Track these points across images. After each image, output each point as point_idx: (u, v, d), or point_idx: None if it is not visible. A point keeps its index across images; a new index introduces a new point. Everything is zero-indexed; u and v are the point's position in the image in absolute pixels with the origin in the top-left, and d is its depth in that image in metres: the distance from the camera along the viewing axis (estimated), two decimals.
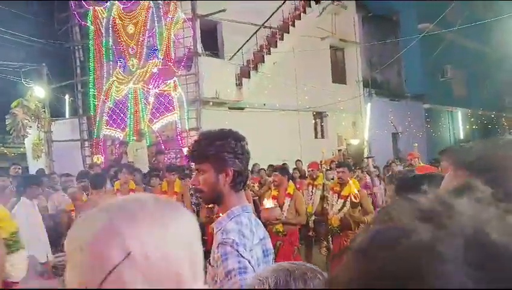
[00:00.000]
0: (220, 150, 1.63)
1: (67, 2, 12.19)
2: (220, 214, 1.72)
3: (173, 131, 11.10)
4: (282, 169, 6.11)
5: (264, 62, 13.23)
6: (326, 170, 8.11)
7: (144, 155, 9.90)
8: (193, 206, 6.77)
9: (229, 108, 12.39)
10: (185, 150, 10.80)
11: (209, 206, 5.02)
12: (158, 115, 11.00)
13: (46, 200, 5.86)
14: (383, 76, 19.19)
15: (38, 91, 11.87)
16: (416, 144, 10.32)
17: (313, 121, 15.48)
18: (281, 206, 5.36)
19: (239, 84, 12.54)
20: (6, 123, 11.24)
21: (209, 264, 1.64)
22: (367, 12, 18.44)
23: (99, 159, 11.33)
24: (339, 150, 14.22)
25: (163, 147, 10.94)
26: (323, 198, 6.75)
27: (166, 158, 10.62)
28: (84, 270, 0.63)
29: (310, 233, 6.94)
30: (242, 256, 1.49)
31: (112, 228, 0.64)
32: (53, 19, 12.98)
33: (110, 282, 0.61)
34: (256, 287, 0.95)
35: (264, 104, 12.91)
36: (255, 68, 13.10)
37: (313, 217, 6.89)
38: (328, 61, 15.99)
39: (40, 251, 4.48)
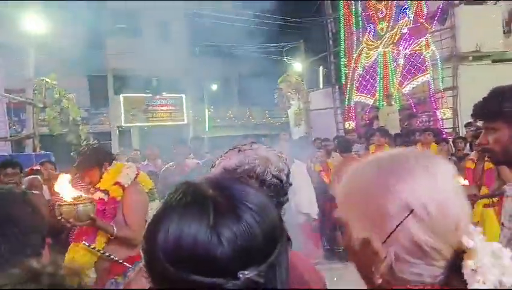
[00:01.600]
0: None
1: None
2: None
3: (426, 93, 10.44)
4: None
5: None
6: None
7: (396, 119, 9.76)
8: None
9: (493, 61, 10.63)
10: (439, 113, 10.05)
11: None
12: (409, 76, 10.55)
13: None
14: None
15: (298, 66, 13.36)
16: None
17: None
18: None
19: (507, 32, 10.54)
20: (275, 97, 13.18)
21: (503, 225, 1.59)
22: None
23: (350, 125, 11.90)
24: None
25: (414, 110, 10.49)
26: None
27: (418, 121, 10.16)
28: (369, 219, 0.71)
29: None
30: None
31: (389, 182, 0.70)
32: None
33: (398, 232, 0.68)
34: None
35: None
36: None
37: None
38: None
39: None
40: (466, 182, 4.30)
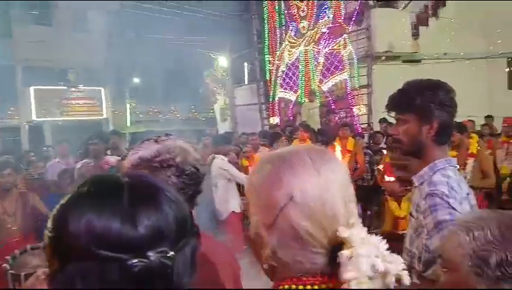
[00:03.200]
0: (427, 100, 1.57)
1: None
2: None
3: (343, 90, 11.03)
4: (459, 126, 5.36)
5: (445, 6, 11.73)
6: None
7: (316, 115, 10.19)
8: (367, 165, 6.72)
9: (403, 61, 11.55)
10: (355, 109, 10.68)
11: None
12: (328, 74, 11.06)
13: (236, 156, 6.66)
14: None
15: (223, 61, 13.34)
16: None
17: (507, 70, 13.16)
18: (461, 169, 4.81)
19: (415, 34, 11.51)
20: (200, 91, 13.05)
21: (411, 215, 1.66)
22: None
23: (274, 120, 12.19)
24: None
25: (333, 106, 11.03)
26: None
27: (337, 117, 10.71)
28: (260, 209, 0.79)
29: (503, 197, 6.12)
30: (453, 208, 1.47)
31: (277, 176, 0.77)
32: None
33: (280, 218, 0.75)
34: (475, 232, 0.88)
35: (445, 54, 11.57)
36: (434, 14, 11.73)
37: (508, 179, 6.04)
38: None
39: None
40: (391, 179, 4.42)
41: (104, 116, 17.41)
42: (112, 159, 4.60)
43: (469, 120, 7.25)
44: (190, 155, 1.23)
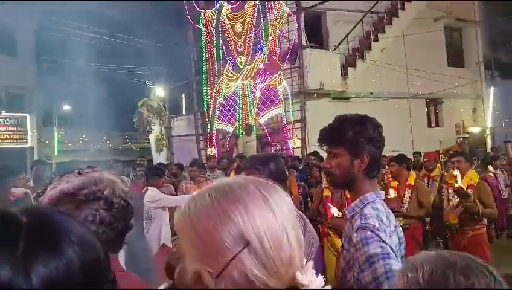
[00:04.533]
0: (358, 135, 1.60)
1: (181, 8, 13.19)
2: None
3: (279, 123, 11.38)
4: (399, 159, 5.70)
5: (370, 49, 12.76)
6: (445, 161, 7.59)
7: (253, 147, 10.36)
8: (301, 197, 6.88)
9: (334, 98, 12.25)
10: (290, 142, 11.03)
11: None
12: (264, 108, 11.39)
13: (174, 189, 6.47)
14: (509, 57, 17.00)
15: (160, 91, 13.20)
16: None
17: (426, 109, 14.46)
18: (401, 198, 5.02)
19: (344, 74, 12.31)
20: (134, 121, 12.71)
21: (342, 248, 1.67)
22: None
23: (212, 151, 12.18)
24: (459, 139, 13.09)
25: (269, 139, 11.31)
26: (440, 190, 6.32)
27: (272, 150, 10.95)
28: (204, 254, 0.66)
29: (427, 227, 6.57)
30: (384, 241, 1.46)
31: (224, 213, 0.66)
32: (170, 25, 14.22)
33: (230, 267, 0.64)
34: (408, 274, 0.81)
35: (371, 93, 12.47)
36: (361, 56, 12.71)
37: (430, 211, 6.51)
38: (442, 43, 14.75)
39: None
40: (335, 211, 4.19)
41: (29, 144, 16.27)
42: (18, 191, 4.24)
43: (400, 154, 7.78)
44: (119, 187, 1.17)
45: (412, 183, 5.20)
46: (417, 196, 5.11)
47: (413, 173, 5.45)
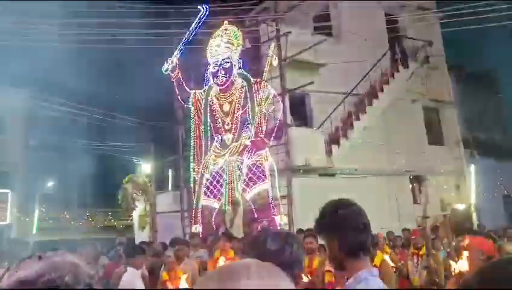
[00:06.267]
0: (332, 220, 1.78)
1: (172, 90, 13.69)
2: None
3: (265, 199, 11.32)
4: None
5: (353, 128, 13.24)
6: (433, 238, 7.57)
7: (240, 224, 10.17)
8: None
9: (319, 175, 12.39)
10: (277, 218, 10.89)
11: None
12: (251, 184, 11.39)
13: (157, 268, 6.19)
14: (486, 135, 17.77)
15: (146, 167, 13.23)
16: None
17: (410, 186, 14.67)
18: None
19: (328, 152, 12.60)
20: (118, 197, 12.53)
21: None
22: (460, 70, 17.75)
23: (196, 229, 11.89)
24: (444, 216, 13.12)
25: (256, 215, 11.15)
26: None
27: (260, 226, 10.76)
28: None
29: None
30: None
31: None
32: (159, 104, 14.69)
33: None
34: None
35: (356, 170, 12.69)
36: (345, 135, 13.13)
37: None
38: (421, 122, 15.42)
39: None
40: None
41: (7, 221, 15.71)
42: None
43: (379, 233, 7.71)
44: (82, 272, 1.08)
45: (378, 264, 4.68)
46: (382, 277, 4.78)
47: (379, 253, 5.08)
